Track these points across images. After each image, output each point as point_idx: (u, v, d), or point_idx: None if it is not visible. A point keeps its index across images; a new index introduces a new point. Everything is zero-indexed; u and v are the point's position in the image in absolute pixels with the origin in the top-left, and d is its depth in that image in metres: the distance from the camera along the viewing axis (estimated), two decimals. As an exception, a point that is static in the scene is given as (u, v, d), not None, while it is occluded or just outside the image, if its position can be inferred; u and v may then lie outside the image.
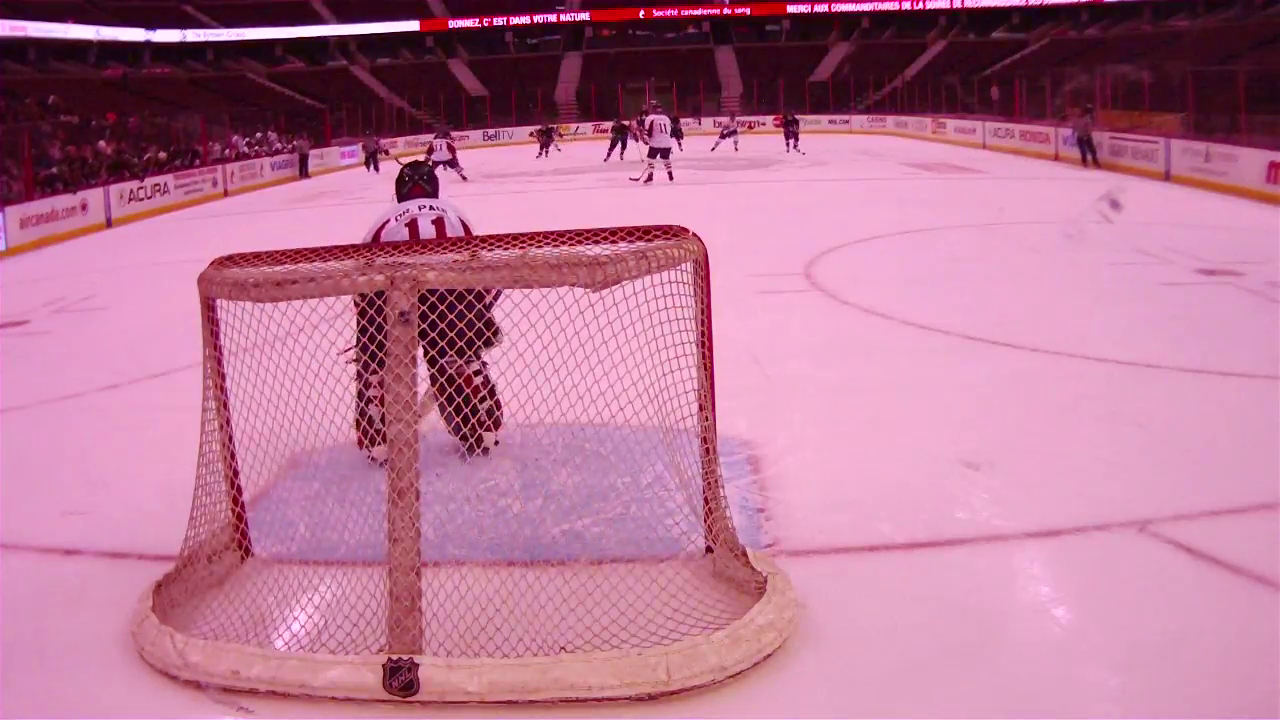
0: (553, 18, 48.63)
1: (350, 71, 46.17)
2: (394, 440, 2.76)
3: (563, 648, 2.73)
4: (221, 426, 3.32)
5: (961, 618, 2.96)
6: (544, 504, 3.72)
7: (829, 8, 47.39)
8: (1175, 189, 14.37)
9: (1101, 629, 2.89)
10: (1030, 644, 2.84)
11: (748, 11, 48.33)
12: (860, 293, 7.73)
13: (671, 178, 17.59)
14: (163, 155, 23.21)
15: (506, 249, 2.97)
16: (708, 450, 3.17)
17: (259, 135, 29.54)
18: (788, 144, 24.78)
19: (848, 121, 34.87)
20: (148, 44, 43.10)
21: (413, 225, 4.36)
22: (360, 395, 4.08)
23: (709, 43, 48.38)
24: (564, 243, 2.95)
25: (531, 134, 28.44)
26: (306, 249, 3.10)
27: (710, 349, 3.24)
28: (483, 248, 3.00)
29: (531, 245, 2.95)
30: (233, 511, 3.40)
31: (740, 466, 4.16)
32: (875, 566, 3.34)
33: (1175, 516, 3.54)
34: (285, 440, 3.21)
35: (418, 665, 2.60)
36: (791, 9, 47.80)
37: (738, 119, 30.65)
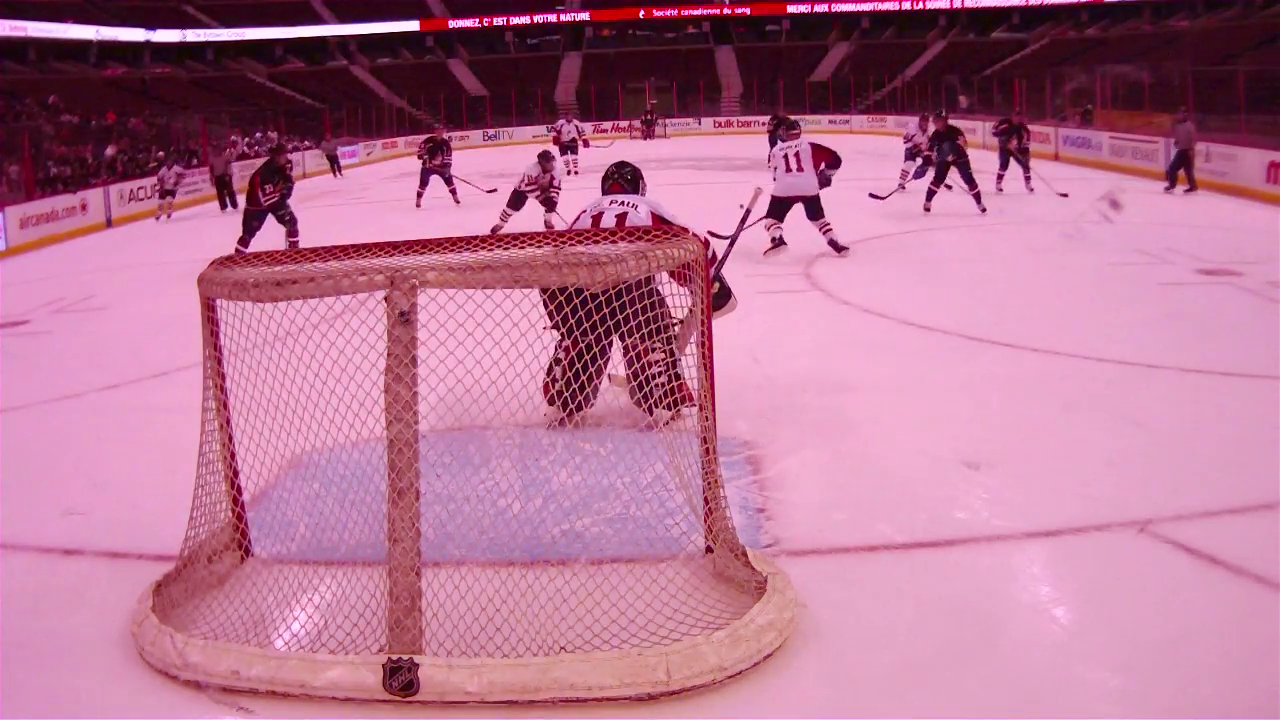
0: (553, 18, 48.67)
1: (350, 71, 46.20)
2: (394, 440, 2.76)
3: (563, 648, 2.73)
4: (221, 426, 3.32)
5: (961, 618, 2.96)
6: (544, 504, 3.72)
7: (829, 8, 47.44)
8: (1175, 189, 14.34)
9: (1101, 629, 2.89)
10: (1030, 644, 2.84)
11: (748, 11, 48.37)
12: (860, 293, 7.73)
13: (841, 249, 9.43)
14: (161, 154, 23.26)
15: (506, 249, 2.98)
16: (708, 450, 3.17)
17: (258, 135, 29.55)
18: (1025, 179, 13.80)
19: (848, 121, 34.85)
20: (148, 44, 43.15)
21: (597, 219, 4.73)
22: (555, 357, 4.48)
23: (709, 43, 48.41)
24: (564, 243, 2.95)
25: (420, 147, 16.18)
26: (306, 249, 3.11)
27: (710, 349, 3.24)
28: (483, 247, 3.00)
29: (531, 245, 2.95)
30: (233, 511, 3.40)
31: (740, 466, 4.16)
32: (875, 566, 3.34)
33: (1175, 516, 3.54)
34: (285, 440, 3.21)
35: (418, 665, 2.60)
36: (791, 9, 47.85)
37: (932, 118, 13.89)
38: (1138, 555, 3.33)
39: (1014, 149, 13.90)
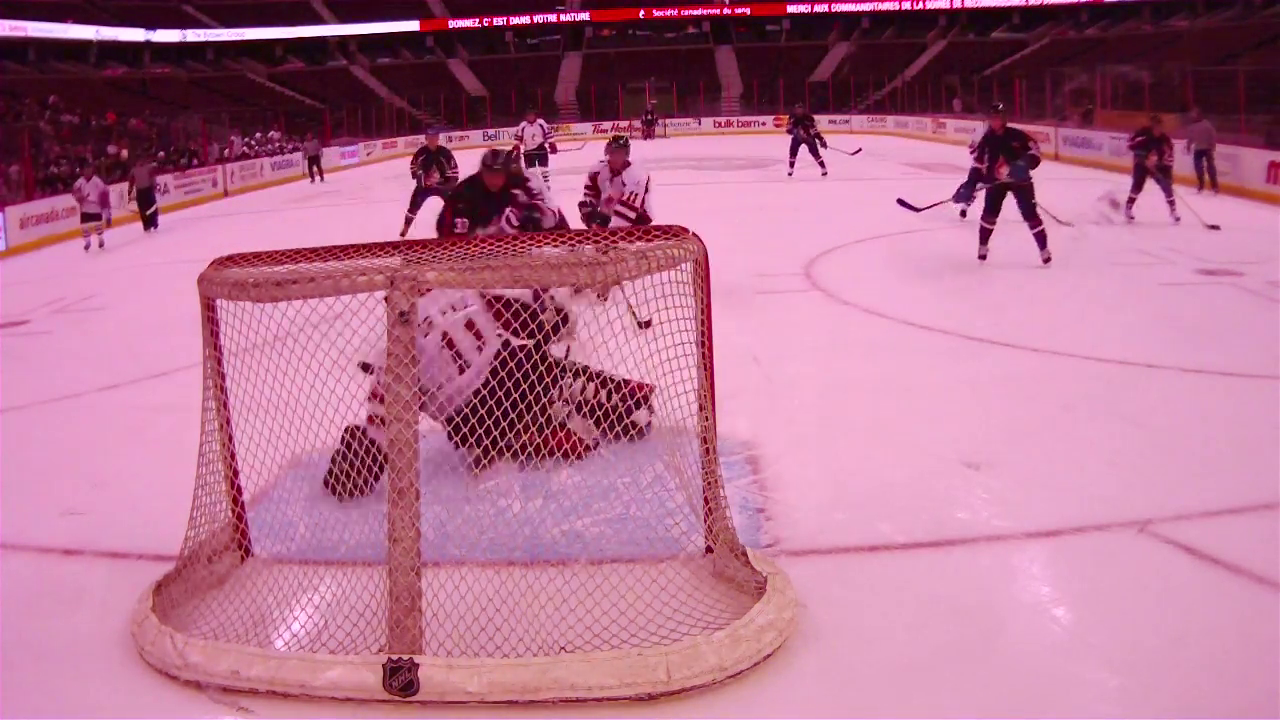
0: (553, 18, 48.65)
1: (350, 71, 46.19)
2: (394, 440, 2.76)
3: (563, 648, 2.74)
4: (221, 426, 3.32)
5: (961, 618, 2.96)
6: (544, 504, 3.72)
7: (829, 8, 47.42)
8: (1175, 189, 14.34)
9: (1101, 629, 2.89)
10: (1030, 644, 2.84)
11: (748, 11, 48.35)
12: (860, 293, 7.73)
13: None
14: (161, 155, 23.26)
15: (506, 249, 2.98)
16: (708, 450, 3.17)
17: (258, 135, 29.54)
18: (1169, 205, 11.02)
19: (848, 121, 34.85)
20: (148, 44, 43.15)
21: None
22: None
23: (709, 43, 48.39)
24: (564, 243, 2.95)
25: (412, 163, 11.97)
26: (306, 249, 3.11)
27: (710, 349, 3.24)
28: (482, 248, 3.00)
29: (531, 245, 2.96)
30: (233, 511, 3.40)
31: (740, 466, 4.16)
32: (875, 566, 3.34)
33: (1175, 516, 3.54)
34: (285, 440, 3.21)
35: (418, 665, 2.60)
36: (791, 9, 47.83)
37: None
38: (1138, 555, 3.33)
39: (1153, 166, 11.08)
